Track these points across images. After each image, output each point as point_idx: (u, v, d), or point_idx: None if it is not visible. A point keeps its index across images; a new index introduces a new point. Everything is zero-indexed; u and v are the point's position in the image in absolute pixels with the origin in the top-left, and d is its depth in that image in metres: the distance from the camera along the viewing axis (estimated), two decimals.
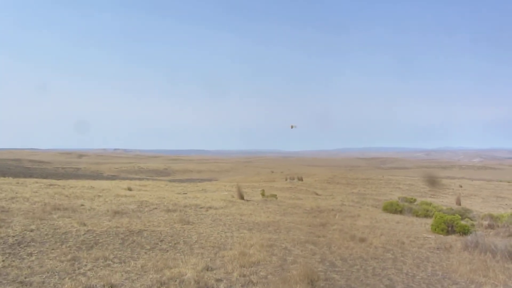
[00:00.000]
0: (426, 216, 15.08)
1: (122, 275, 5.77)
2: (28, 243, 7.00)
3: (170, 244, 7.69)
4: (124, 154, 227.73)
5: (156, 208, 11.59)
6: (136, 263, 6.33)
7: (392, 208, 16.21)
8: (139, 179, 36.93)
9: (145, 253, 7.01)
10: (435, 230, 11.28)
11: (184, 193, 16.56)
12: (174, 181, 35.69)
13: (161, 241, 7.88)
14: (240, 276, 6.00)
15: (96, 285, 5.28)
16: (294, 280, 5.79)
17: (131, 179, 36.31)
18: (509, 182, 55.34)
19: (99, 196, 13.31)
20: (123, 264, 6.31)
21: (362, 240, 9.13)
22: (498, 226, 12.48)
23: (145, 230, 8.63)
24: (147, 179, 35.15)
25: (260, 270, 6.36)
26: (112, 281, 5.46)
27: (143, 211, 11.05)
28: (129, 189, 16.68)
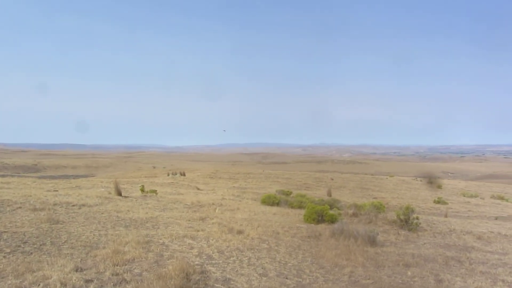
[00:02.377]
0: (300, 207, 16.03)
1: None
2: None
3: (35, 246, 7.04)
4: None
5: (20, 208, 10.50)
6: None
7: (270, 201, 16.94)
8: (2, 176, 33.13)
9: (4, 257, 6.32)
10: (307, 220, 12.08)
11: (55, 191, 15.29)
12: (44, 177, 32.70)
13: (24, 243, 7.17)
14: (112, 275, 5.75)
15: None
16: (170, 275, 5.73)
17: None
18: (372, 175, 61.65)
19: None
20: None
21: (240, 232, 9.41)
22: (361, 214, 13.80)
23: (5, 232, 7.78)
24: (12, 176, 31.67)
25: (135, 268, 6.17)
26: None
27: (4, 211, 9.93)
28: None
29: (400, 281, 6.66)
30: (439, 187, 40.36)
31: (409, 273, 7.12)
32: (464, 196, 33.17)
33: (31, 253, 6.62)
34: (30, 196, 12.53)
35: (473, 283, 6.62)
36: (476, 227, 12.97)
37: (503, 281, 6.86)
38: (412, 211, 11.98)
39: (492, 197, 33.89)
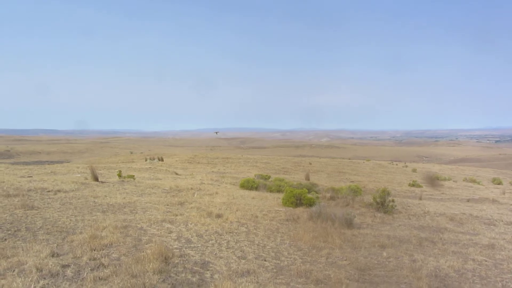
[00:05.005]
0: (279, 191, 16.16)
1: None
2: None
3: (9, 232, 6.90)
4: None
5: None
6: None
7: (249, 185, 17.01)
8: None
9: None
10: (286, 203, 12.18)
11: (29, 176, 14.99)
12: (17, 163, 31.99)
13: None
14: (90, 260, 5.69)
15: None
16: (148, 259, 5.72)
17: None
18: (349, 159, 62.48)
19: None
20: None
21: (219, 216, 9.43)
22: (338, 198, 13.99)
23: None
24: None
25: (113, 252, 6.13)
26: None
27: None
28: None
29: (376, 262, 6.81)
30: (414, 170, 41.23)
31: (384, 254, 7.28)
32: (438, 179, 33.99)
33: (5, 239, 6.49)
34: (3, 182, 12.25)
35: (445, 262, 6.82)
36: (449, 209, 13.33)
37: (473, 260, 7.09)
38: (388, 194, 12.21)
39: (465, 180, 34.88)
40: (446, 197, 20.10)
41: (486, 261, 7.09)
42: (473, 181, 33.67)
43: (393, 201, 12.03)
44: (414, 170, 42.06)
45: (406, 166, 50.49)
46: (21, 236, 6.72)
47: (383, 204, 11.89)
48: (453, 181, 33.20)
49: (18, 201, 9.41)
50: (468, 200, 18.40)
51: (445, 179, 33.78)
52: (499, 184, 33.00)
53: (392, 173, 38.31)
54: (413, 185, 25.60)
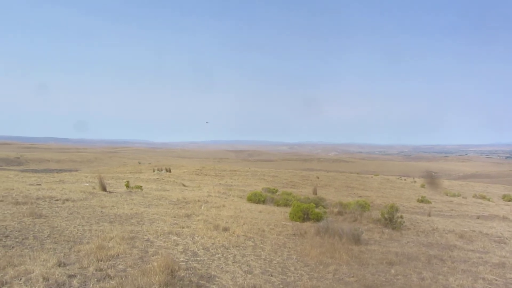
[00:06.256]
0: (286, 205, 16.09)
1: None
2: None
3: (17, 240, 6.93)
4: None
5: (1, 201, 10.33)
6: None
7: (256, 198, 16.97)
8: None
9: None
10: (293, 218, 12.13)
11: (38, 185, 15.09)
12: (27, 171, 32.25)
13: (5, 236, 7.05)
14: (96, 270, 5.69)
15: None
16: (154, 271, 5.70)
17: None
18: (357, 173, 62.15)
19: None
20: None
21: (226, 229, 9.40)
22: (346, 213, 13.91)
23: None
24: None
25: (119, 263, 6.12)
26: None
27: None
28: None
29: (384, 279, 6.72)
30: (423, 186, 40.86)
31: (392, 271, 7.19)
32: (447, 195, 33.65)
33: (13, 247, 6.51)
34: (13, 189, 12.35)
35: (455, 281, 6.72)
36: (458, 226, 13.17)
37: (483, 279, 6.98)
38: (396, 210, 12.11)
39: (475, 196, 34.48)
40: (456, 213, 19.87)
41: (496, 280, 6.97)
42: (483, 197, 33.26)
43: (401, 217, 11.92)
44: (422, 186, 41.67)
45: (415, 182, 50.07)
46: (28, 245, 6.74)
47: (391, 220, 11.79)
48: (463, 197, 32.82)
49: (26, 209, 9.47)
50: (478, 217, 18.17)
51: (454, 195, 33.42)
52: (509, 200, 32.53)
53: (401, 189, 38.00)
54: (421, 201, 25.35)
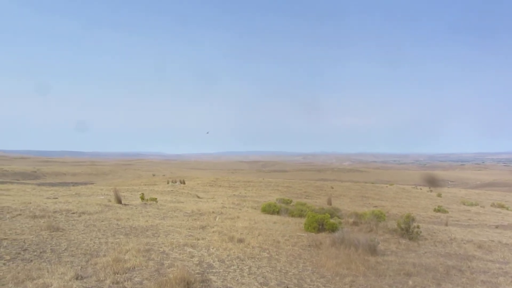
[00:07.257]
0: (301, 216, 15.98)
1: None
2: None
3: (35, 253, 7.03)
4: None
5: (20, 215, 10.50)
6: None
7: (270, 209, 16.90)
8: (1, 182, 33.12)
9: (4, 264, 6.31)
10: (308, 228, 12.05)
11: (54, 198, 15.28)
12: (43, 184, 32.67)
13: (24, 250, 7.16)
14: (113, 283, 5.73)
15: None
16: (170, 284, 5.72)
17: None
18: (372, 183, 61.59)
19: None
20: None
21: (240, 241, 9.38)
22: (361, 223, 13.76)
23: (5, 239, 7.76)
24: (11, 183, 31.67)
25: (135, 276, 6.16)
26: None
27: (3, 218, 9.92)
28: None
29: None
30: (439, 195, 40.29)
31: (410, 282, 7.09)
32: (464, 204, 33.11)
33: (31, 260, 6.60)
34: (30, 203, 12.53)
35: None
36: (476, 236, 12.94)
37: None
38: (413, 219, 11.96)
39: (493, 205, 33.85)
40: (473, 223, 19.53)
41: None
42: (502, 206, 32.64)
43: (418, 227, 11.76)
44: (439, 195, 41.10)
45: (431, 191, 49.40)
46: (46, 258, 6.82)
47: (407, 230, 11.63)
48: (480, 206, 32.25)
49: (44, 222, 9.59)
50: (496, 227, 17.84)
51: (472, 204, 32.86)
52: None
53: (416, 198, 37.49)
54: (438, 211, 24.99)
